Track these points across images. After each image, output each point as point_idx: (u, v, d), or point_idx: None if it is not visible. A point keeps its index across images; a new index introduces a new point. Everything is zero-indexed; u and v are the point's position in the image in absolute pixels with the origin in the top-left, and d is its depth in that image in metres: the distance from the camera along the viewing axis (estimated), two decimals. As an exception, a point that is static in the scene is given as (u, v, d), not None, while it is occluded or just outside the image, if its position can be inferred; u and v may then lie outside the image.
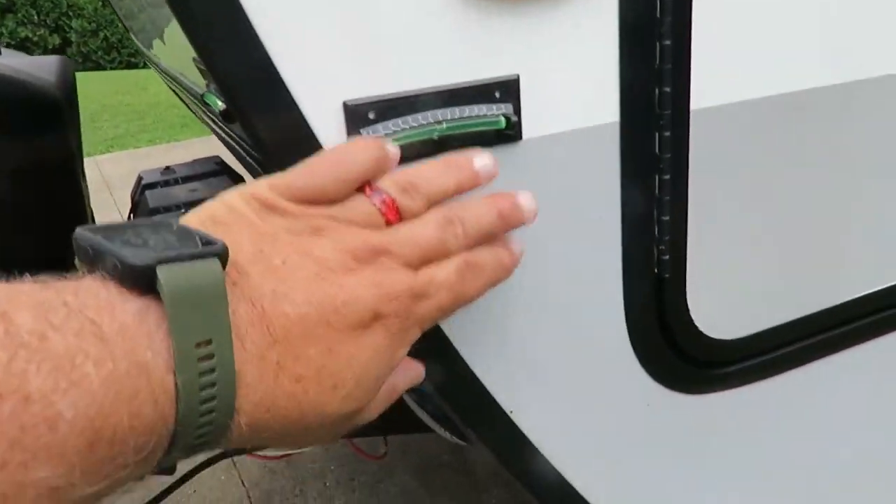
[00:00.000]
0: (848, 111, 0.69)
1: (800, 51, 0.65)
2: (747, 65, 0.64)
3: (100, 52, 15.00)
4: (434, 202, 0.49)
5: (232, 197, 0.46)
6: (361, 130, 0.52)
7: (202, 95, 0.62)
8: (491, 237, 0.52)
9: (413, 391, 1.14)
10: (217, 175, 2.01)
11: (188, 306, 0.38)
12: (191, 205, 1.74)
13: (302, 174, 0.47)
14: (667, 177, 0.62)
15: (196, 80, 0.87)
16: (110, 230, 0.41)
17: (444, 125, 0.53)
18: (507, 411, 0.68)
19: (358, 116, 0.52)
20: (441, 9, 0.52)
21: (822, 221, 0.73)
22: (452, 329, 0.62)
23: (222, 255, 0.40)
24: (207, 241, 0.41)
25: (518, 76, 0.56)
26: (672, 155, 0.61)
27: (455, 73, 0.54)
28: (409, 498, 2.53)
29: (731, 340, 0.71)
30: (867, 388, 0.82)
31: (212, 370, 0.39)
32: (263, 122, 0.51)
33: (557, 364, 0.67)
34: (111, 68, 14.95)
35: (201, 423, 0.40)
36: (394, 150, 0.50)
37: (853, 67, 0.68)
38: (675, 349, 0.69)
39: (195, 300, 0.39)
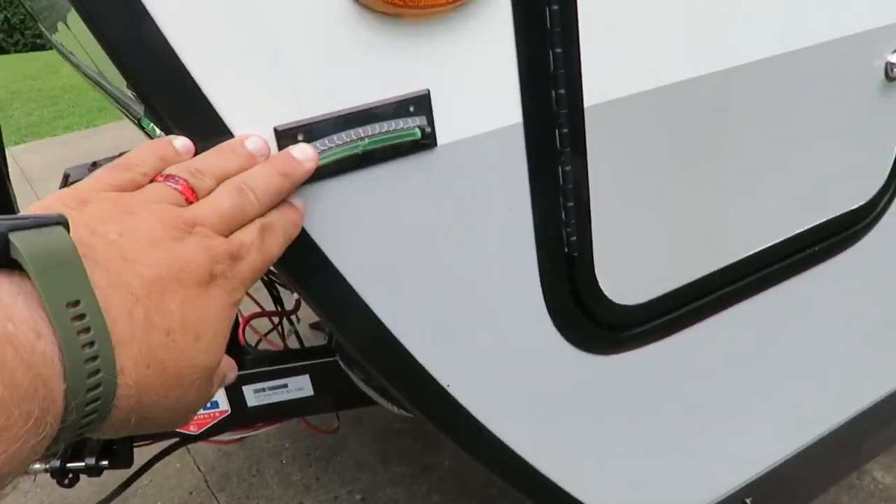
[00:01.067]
0: (722, 97, 0.78)
1: (669, 48, 0.73)
2: (630, 64, 0.71)
3: (1, 35, 14.24)
4: (221, 180, 0.55)
5: (50, 200, 0.50)
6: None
7: (139, 119, 0.67)
8: (281, 195, 0.57)
9: (359, 369, 1.19)
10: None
11: (51, 269, 0.41)
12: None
13: (105, 171, 0.53)
14: (568, 168, 0.69)
15: (115, 78, 0.89)
16: None
17: (367, 140, 0.59)
18: (445, 385, 0.75)
19: (288, 138, 0.58)
20: (354, 35, 0.58)
21: (705, 198, 0.82)
22: (394, 318, 0.68)
23: (65, 224, 0.44)
24: (45, 218, 0.44)
25: (428, 90, 0.62)
26: (571, 148, 0.69)
27: (372, 93, 0.60)
28: (364, 467, 2.61)
29: (636, 305, 0.80)
30: (752, 338, 0.93)
31: (87, 329, 0.42)
32: (202, 149, 0.56)
33: (487, 339, 0.75)
34: (15, 51, 14.22)
35: (90, 385, 0.43)
36: (182, 144, 0.57)
37: (722, 57, 0.77)
38: (588, 317, 0.78)
39: (55, 263, 0.42)
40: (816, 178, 0.89)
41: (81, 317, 0.42)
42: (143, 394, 0.47)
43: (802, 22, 0.79)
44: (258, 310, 1.81)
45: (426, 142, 0.62)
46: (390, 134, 0.60)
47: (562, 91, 0.66)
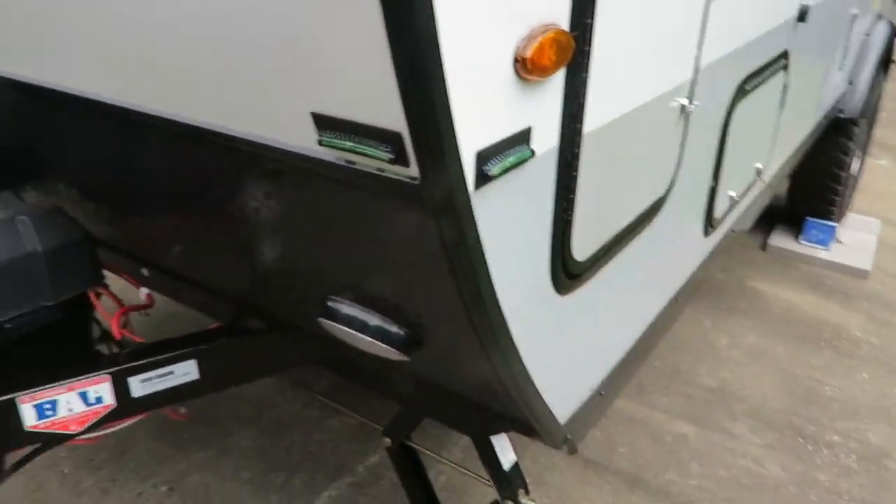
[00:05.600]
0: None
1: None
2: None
3: None
4: None
5: None
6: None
7: (319, 140, 0.87)
8: None
9: (348, 322, 1.38)
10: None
11: None
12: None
13: None
14: (574, 173, 1.08)
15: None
16: None
17: (515, 156, 0.92)
18: (505, 313, 1.07)
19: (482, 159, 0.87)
20: (511, 90, 0.89)
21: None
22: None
23: None
24: None
25: (530, 126, 0.95)
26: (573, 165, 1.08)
27: (513, 127, 0.92)
28: (162, 459, 2.61)
29: (585, 259, 1.23)
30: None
31: None
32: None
33: (517, 292, 1.10)
34: None
35: None
36: None
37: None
38: (566, 272, 1.18)
39: None
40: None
41: None
42: None
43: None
44: (121, 307, 1.82)
45: (531, 157, 0.95)
46: (520, 152, 0.92)
47: (577, 125, 1.05)
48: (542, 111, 0.97)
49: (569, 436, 1.38)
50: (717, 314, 3.45)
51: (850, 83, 3.33)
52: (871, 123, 4.01)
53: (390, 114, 0.79)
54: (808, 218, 3.85)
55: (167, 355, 1.67)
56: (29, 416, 1.53)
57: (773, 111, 2.18)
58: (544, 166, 1.02)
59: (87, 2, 1.06)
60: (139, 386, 1.65)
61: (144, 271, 1.90)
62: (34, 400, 1.53)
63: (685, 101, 1.41)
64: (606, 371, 1.52)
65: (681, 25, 1.33)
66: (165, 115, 1.11)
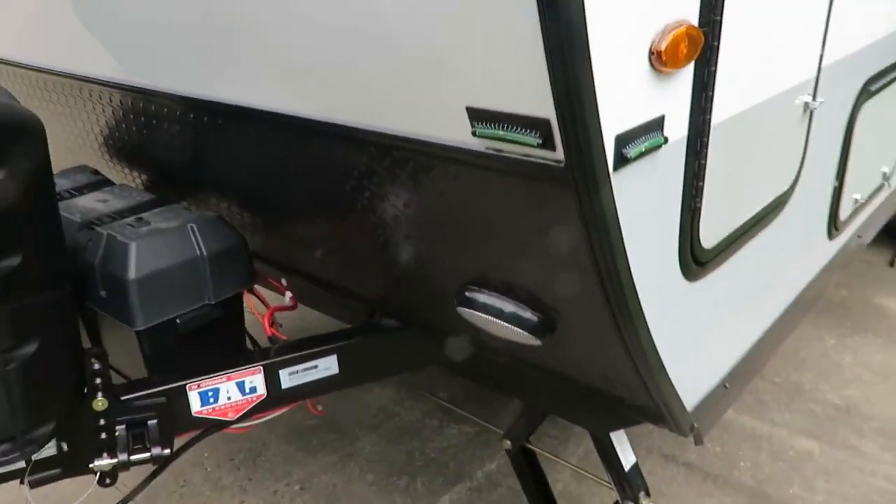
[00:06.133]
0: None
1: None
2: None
3: None
4: None
5: None
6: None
7: (473, 131, 0.98)
8: None
9: (485, 309, 1.47)
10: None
11: None
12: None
13: None
14: (703, 161, 1.15)
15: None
16: None
17: (649, 141, 1.01)
18: (639, 290, 1.15)
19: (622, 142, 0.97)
20: (648, 79, 0.98)
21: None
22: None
23: None
24: None
25: (663, 115, 1.03)
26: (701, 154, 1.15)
27: (650, 113, 1.01)
28: (292, 462, 2.78)
29: (712, 248, 1.29)
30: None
31: None
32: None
33: (649, 274, 1.17)
34: None
35: None
36: None
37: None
38: (693, 258, 1.24)
39: None
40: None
41: None
42: None
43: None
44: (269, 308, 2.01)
45: (664, 143, 1.03)
46: (654, 138, 1.00)
47: (706, 115, 1.12)
48: (673, 101, 1.05)
49: (695, 424, 1.42)
50: (842, 332, 3.34)
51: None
52: None
53: (540, 102, 0.90)
54: (939, 232, 3.66)
55: (312, 350, 1.82)
56: (195, 403, 1.71)
57: (900, 114, 2.15)
58: (676, 153, 1.09)
59: (248, 16, 1.22)
60: (287, 378, 1.81)
61: (284, 281, 2.08)
62: (200, 388, 1.71)
63: (808, 99, 1.45)
64: (731, 364, 1.55)
65: (805, 24, 1.38)
66: (324, 119, 1.26)
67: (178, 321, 1.73)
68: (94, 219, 1.85)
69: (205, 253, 1.74)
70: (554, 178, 0.97)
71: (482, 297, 1.36)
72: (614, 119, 0.94)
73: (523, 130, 0.94)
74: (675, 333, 1.28)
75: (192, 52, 1.51)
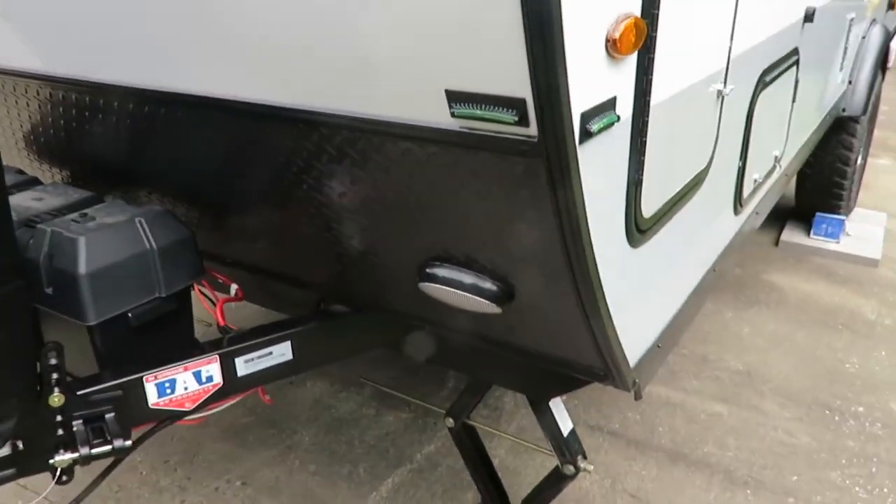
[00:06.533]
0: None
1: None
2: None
3: None
4: None
5: None
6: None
7: (452, 112, 1.08)
8: None
9: (447, 282, 1.57)
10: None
11: None
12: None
13: None
14: (644, 139, 1.30)
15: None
16: None
17: (606, 118, 1.13)
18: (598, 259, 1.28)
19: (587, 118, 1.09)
20: (604, 65, 1.11)
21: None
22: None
23: None
24: None
25: (615, 96, 1.17)
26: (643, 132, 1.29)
27: (606, 94, 1.14)
28: (231, 458, 2.78)
29: (650, 217, 1.44)
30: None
31: None
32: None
33: (603, 240, 1.30)
34: None
35: None
36: None
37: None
38: (637, 226, 1.39)
39: None
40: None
41: None
42: None
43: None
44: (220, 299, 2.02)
45: (618, 121, 1.17)
46: (609, 116, 1.14)
47: (647, 97, 1.27)
48: (623, 84, 1.19)
49: (637, 380, 1.57)
50: (738, 306, 3.65)
51: (850, 83, 3.58)
52: (872, 121, 4.26)
53: (518, 83, 1.01)
54: (817, 213, 4.07)
55: (266, 337, 1.86)
56: (152, 394, 1.71)
57: (787, 103, 2.41)
58: (624, 130, 1.23)
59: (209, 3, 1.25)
60: (243, 366, 1.84)
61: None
62: (157, 379, 1.71)
63: (721, 86, 1.64)
64: (663, 326, 1.72)
65: (718, 17, 1.56)
66: (294, 107, 1.32)
67: (129, 315, 1.73)
68: (33, 216, 1.81)
69: (154, 246, 1.75)
70: (527, 152, 1.08)
71: (443, 272, 1.46)
72: (581, 97, 1.06)
73: (501, 109, 1.05)
74: (622, 296, 1.42)
75: (129, 38, 1.50)
